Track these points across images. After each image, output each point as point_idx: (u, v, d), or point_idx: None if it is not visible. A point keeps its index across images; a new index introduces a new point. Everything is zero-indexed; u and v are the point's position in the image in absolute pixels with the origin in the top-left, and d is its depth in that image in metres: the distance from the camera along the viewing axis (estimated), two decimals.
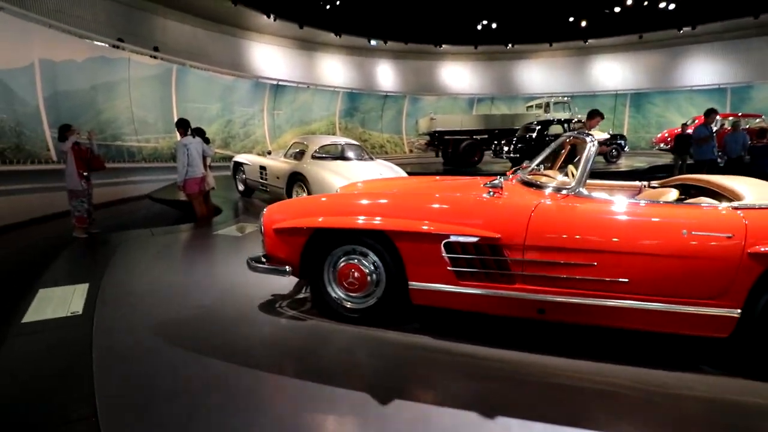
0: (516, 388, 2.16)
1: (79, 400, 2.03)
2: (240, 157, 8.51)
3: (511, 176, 3.11)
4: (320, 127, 18.91)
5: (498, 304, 2.47)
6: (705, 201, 2.56)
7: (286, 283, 3.58)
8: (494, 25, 17.79)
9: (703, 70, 18.74)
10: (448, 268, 2.49)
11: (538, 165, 3.10)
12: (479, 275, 2.45)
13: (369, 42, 18.95)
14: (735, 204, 2.29)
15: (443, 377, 2.28)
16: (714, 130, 7.21)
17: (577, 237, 2.30)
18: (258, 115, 16.55)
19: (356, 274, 2.75)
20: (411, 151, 20.50)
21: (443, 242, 2.47)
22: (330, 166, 6.37)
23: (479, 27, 18.04)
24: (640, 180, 3.44)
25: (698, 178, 3.02)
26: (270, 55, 17.62)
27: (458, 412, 1.94)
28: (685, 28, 17.41)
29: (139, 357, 2.44)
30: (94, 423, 1.87)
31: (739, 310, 2.14)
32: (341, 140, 7.29)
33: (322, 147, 6.86)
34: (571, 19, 17.45)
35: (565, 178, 2.69)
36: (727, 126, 7.12)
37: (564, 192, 2.48)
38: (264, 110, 16.64)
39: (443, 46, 20.04)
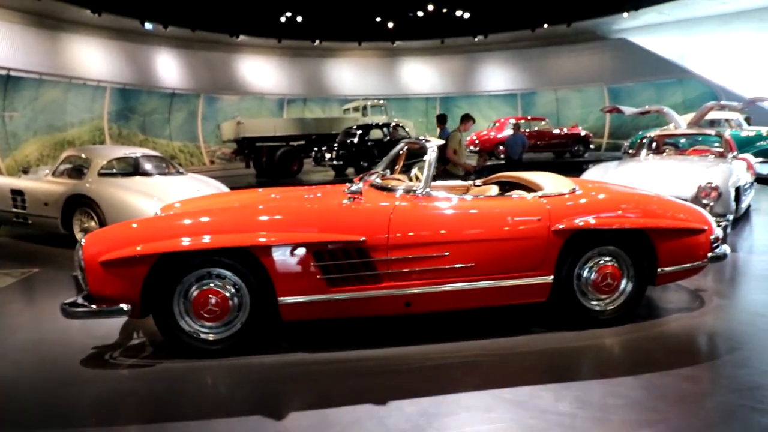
0: (395, 377, 2.78)
1: None
2: None
3: (360, 183, 3.77)
4: (81, 134, 16.76)
5: (369, 304, 3.05)
6: (517, 193, 3.66)
7: (104, 332, 3.46)
8: (299, 19, 18.90)
9: (497, 75, 23.79)
10: (318, 276, 2.95)
11: (383, 170, 3.87)
12: (349, 279, 2.99)
13: (142, 25, 17.73)
14: (539, 194, 3.41)
15: (328, 383, 2.73)
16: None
17: (431, 232, 3.07)
18: None
19: (215, 300, 2.96)
20: (212, 162, 19.95)
21: (313, 251, 2.92)
22: (127, 184, 6.04)
23: (283, 19, 18.90)
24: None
25: (510, 175, 4.22)
26: None
27: (353, 407, 2.43)
28: (479, 36, 21.86)
29: None
30: None
31: (552, 277, 3.22)
32: (136, 151, 6.94)
33: (110, 161, 6.42)
34: (378, 19, 19.94)
35: (411, 183, 3.48)
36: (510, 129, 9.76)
37: (414, 193, 3.24)
38: None
39: (240, 36, 20.19)
